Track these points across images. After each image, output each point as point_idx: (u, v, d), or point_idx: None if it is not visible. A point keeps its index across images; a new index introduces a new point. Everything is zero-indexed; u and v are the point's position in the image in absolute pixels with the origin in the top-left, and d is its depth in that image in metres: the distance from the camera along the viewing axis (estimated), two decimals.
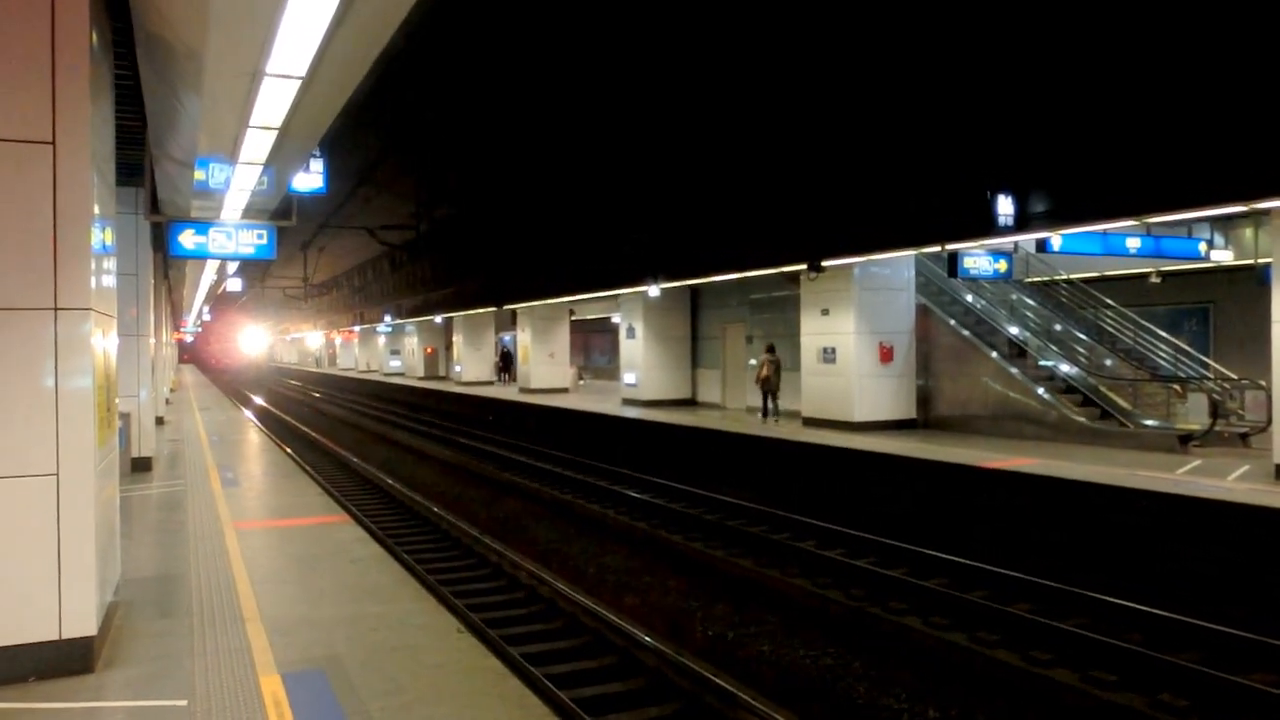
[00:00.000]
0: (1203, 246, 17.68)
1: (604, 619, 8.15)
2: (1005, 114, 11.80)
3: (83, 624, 5.33)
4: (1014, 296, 18.94)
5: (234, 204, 10.47)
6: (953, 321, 17.97)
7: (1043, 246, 15.05)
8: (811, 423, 18.35)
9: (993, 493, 12.23)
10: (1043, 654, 7.58)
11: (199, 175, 9.08)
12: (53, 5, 5.22)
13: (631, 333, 25.33)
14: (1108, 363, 18.07)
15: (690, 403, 24.91)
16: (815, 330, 18.47)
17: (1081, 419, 15.54)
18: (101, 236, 5.88)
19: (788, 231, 16.72)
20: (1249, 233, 18.13)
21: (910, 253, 16.94)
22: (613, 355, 37.57)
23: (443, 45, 11.87)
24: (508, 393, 31.43)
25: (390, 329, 47.44)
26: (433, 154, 20.40)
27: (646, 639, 7.54)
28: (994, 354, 17.03)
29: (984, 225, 12.39)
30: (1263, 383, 13.91)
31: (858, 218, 14.99)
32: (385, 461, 20.74)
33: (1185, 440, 14.04)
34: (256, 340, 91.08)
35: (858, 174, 14.29)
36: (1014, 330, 17.88)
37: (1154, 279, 19.61)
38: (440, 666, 5.49)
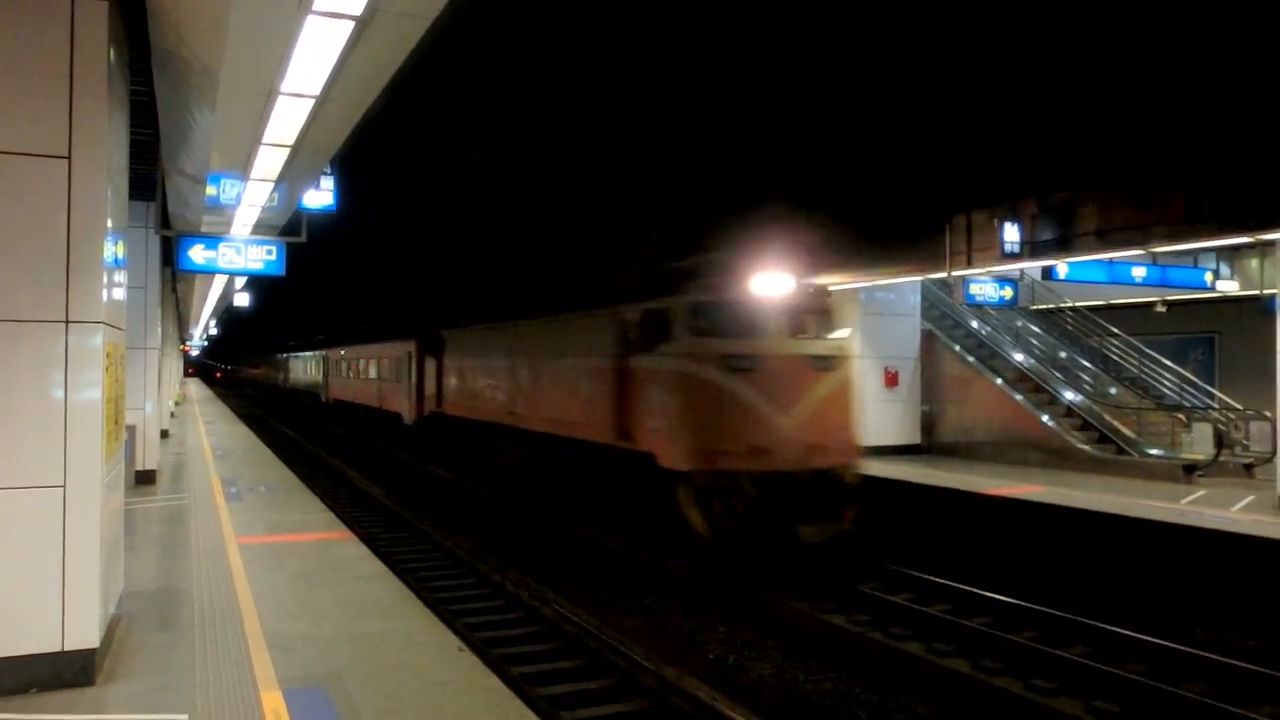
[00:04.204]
0: (1208, 276, 17.68)
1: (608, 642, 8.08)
2: (1018, 145, 11.85)
3: (85, 636, 5.33)
4: (1019, 323, 18.94)
5: (244, 219, 10.53)
6: (958, 347, 17.98)
7: (1048, 274, 15.08)
8: None
9: (998, 520, 12.19)
10: (1046, 682, 7.54)
11: (210, 191, 9.14)
12: (72, 23, 5.30)
13: None
14: (1112, 391, 18.04)
15: None
16: None
17: (1086, 447, 15.50)
18: (114, 250, 5.92)
19: (790, 255, 16.72)
20: (1255, 263, 18.14)
21: (916, 278, 16.98)
22: None
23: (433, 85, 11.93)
24: None
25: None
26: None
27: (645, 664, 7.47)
28: (999, 380, 17.03)
29: (990, 252, 12.42)
30: (1268, 414, 13.87)
31: (863, 242, 15.03)
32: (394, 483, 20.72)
33: (1190, 470, 13.99)
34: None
35: (867, 199, 14.33)
36: (1019, 357, 17.87)
37: (1159, 308, 19.61)
38: (442, 685, 5.48)
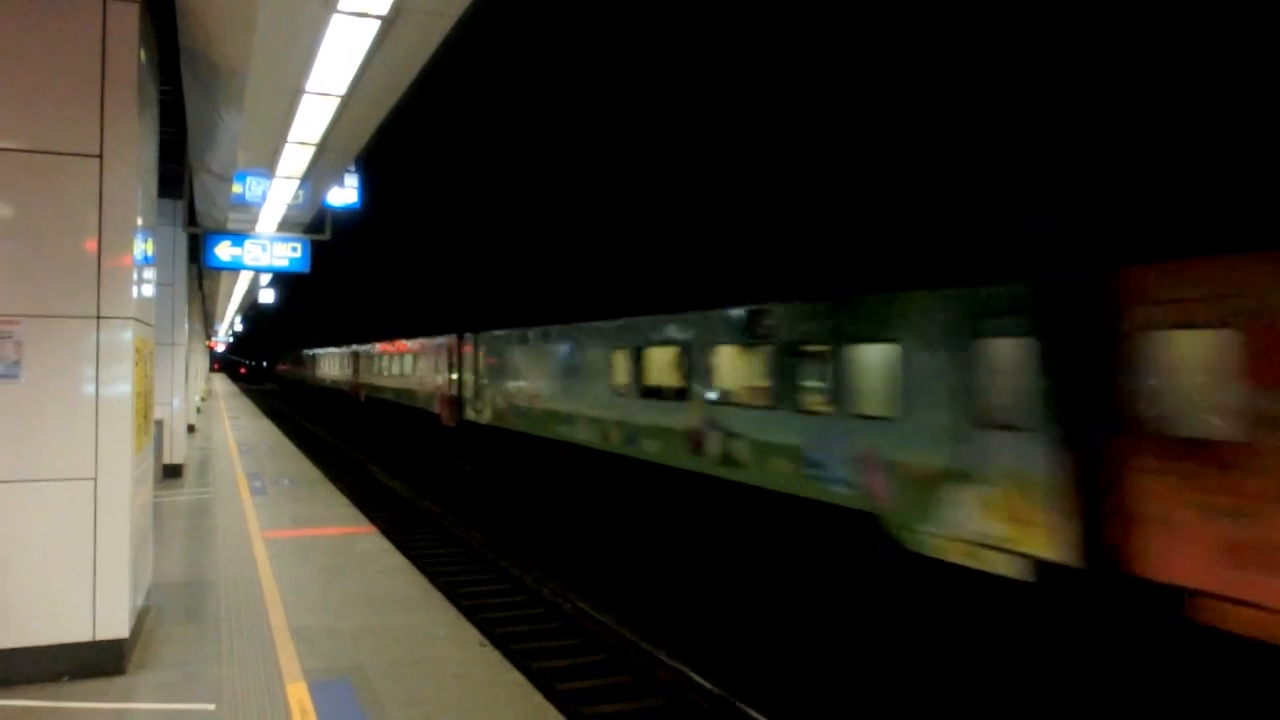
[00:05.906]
0: None
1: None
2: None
3: (116, 626, 5.42)
4: None
5: (270, 217, 10.66)
6: None
7: None
8: None
9: None
10: None
11: (236, 189, 9.27)
12: (104, 24, 5.38)
13: None
14: None
15: None
16: None
17: None
18: (144, 247, 6.01)
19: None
20: None
21: None
22: None
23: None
24: None
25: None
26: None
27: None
28: None
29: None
30: None
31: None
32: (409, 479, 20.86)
33: None
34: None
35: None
36: None
37: None
38: (463, 678, 5.53)
